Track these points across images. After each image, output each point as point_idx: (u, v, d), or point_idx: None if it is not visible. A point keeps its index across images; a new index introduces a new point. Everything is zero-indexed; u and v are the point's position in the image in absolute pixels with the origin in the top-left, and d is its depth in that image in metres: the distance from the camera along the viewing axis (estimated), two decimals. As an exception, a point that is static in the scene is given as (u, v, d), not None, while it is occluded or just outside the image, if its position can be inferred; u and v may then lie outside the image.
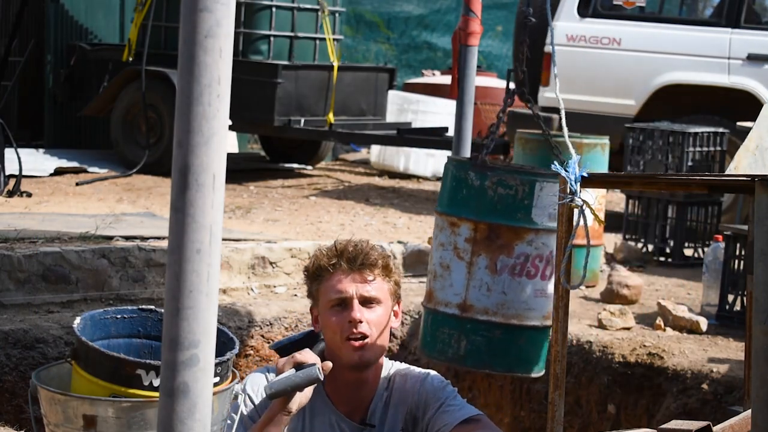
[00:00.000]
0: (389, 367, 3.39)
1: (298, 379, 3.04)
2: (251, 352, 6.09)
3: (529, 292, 4.82)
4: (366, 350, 3.23)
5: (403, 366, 3.42)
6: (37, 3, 10.94)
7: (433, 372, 3.41)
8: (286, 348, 3.36)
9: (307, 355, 3.13)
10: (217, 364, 4.18)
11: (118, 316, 4.61)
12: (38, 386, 4.39)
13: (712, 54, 9.17)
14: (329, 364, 3.18)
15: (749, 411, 2.98)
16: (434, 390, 3.33)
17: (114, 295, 6.11)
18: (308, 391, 3.12)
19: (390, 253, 3.42)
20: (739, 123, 8.28)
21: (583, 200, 3.40)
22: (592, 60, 9.43)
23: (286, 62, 10.38)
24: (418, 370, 3.41)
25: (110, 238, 6.52)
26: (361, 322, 3.21)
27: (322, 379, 3.06)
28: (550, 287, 4.90)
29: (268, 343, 6.15)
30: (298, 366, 3.09)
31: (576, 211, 3.47)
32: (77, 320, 4.46)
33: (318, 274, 3.28)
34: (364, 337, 3.22)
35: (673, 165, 8.04)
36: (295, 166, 11.59)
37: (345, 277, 3.23)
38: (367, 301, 3.24)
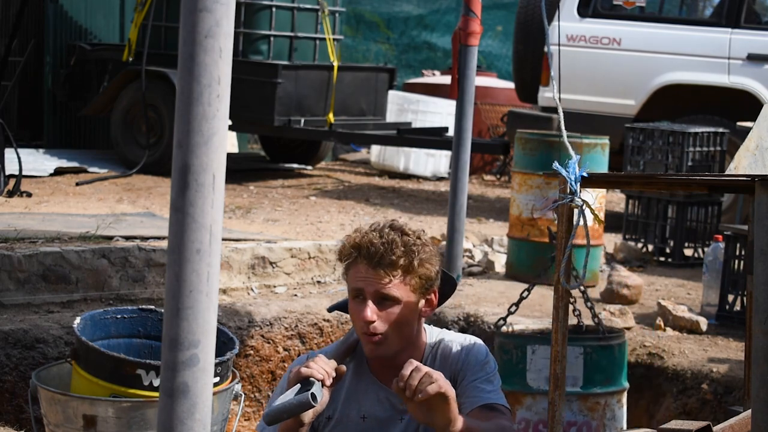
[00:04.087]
0: (435, 334, 3.35)
1: (292, 405, 3.03)
2: (251, 352, 6.08)
3: None
4: (380, 346, 3.19)
5: (450, 333, 3.37)
6: (37, 3, 10.93)
7: (479, 342, 3.35)
8: (341, 307, 3.40)
9: (314, 368, 3.08)
10: (217, 364, 4.19)
11: (118, 316, 4.62)
12: (38, 386, 4.41)
13: (712, 54, 9.17)
14: (343, 368, 3.15)
15: (749, 411, 2.98)
16: (475, 363, 3.27)
17: (114, 295, 6.11)
18: (320, 402, 3.09)
19: (419, 238, 3.25)
20: (739, 123, 8.28)
21: (583, 200, 3.39)
22: (592, 60, 9.42)
23: (286, 62, 10.37)
24: (464, 337, 3.36)
25: (110, 238, 6.52)
26: (373, 321, 3.15)
27: (316, 403, 3.03)
28: None
29: (268, 343, 6.14)
30: (303, 382, 3.06)
31: (576, 211, 3.46)
32: (77, 320, 4.47)
33: (343, 259, 3.23)
34: (378, 334, 3.19)
35: (673, 165, 8.04)
36: (295, 166, 11.58)
37: (362, 272, 3.16)
38: (383, 299, 3.17)
